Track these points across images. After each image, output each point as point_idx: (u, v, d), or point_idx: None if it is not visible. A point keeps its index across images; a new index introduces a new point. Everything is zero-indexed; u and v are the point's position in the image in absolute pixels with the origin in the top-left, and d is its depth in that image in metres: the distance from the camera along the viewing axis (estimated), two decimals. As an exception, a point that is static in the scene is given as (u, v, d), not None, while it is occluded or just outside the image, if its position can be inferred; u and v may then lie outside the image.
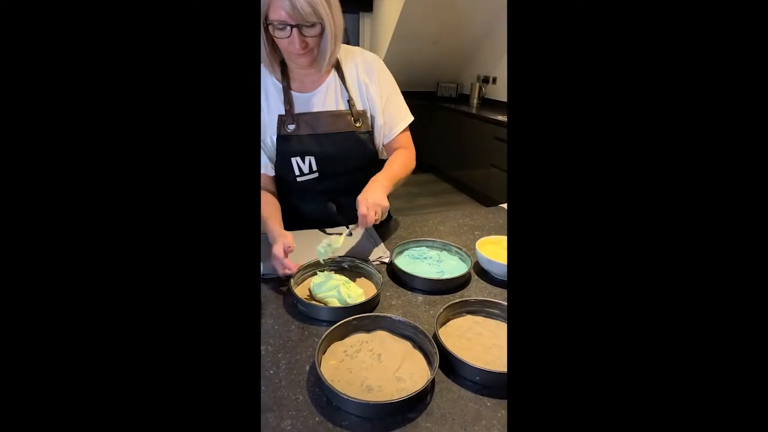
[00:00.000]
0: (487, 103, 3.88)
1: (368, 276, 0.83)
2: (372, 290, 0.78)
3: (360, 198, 0.81)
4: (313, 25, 0.77)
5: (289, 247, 0.76)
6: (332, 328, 0.62)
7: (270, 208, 0.90)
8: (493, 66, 3.83)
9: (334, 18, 0.79)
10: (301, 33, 0.78)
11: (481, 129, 3.33)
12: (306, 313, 0.71)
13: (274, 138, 0.92)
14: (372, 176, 1.00)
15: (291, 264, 0.76)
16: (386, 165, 0.95)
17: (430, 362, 0.59)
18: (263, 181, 0.96)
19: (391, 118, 0.99)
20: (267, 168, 0.95)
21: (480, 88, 3.90)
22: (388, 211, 0.92)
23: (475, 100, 3.91)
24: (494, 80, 3.83)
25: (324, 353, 0.60)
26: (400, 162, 0.96)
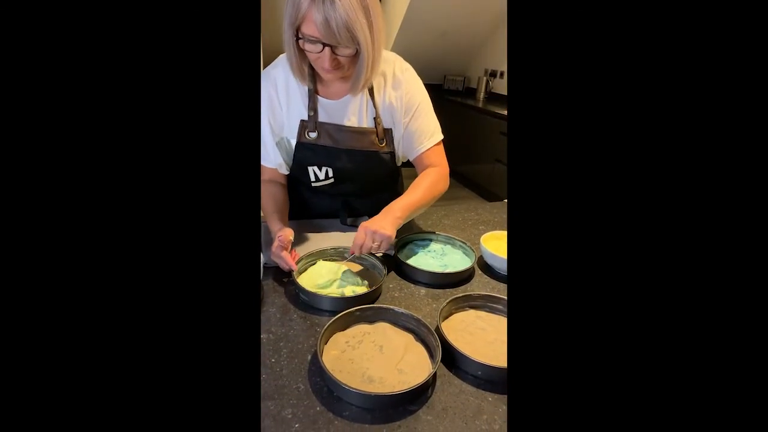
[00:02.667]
0: (494, 97, 3.84)
1: (371, 267, 0.82)
2: (374, 282, 0.78)
3: (363, 224, 0.76)
4: (347, 46, 0.69)
5: (286, 240, 0.75)
6: (334, 318, 0.62)
7: (277, 204, 0.87)
8: (500, 60, 3.79)
9: (374, 43, 0.70)
10: (333, 52, 0.70)
11: (487, 123, 3.30)
12: (308, 302, 0.71)
13: (293, 142, 0.87)
14: (390, 182, 0.97)
15: (291, 261, 0.75)
16: (410, 188, 0.86)
17: (431, 355, 0.59)
18: (274, 175, 0.92)
19: (416, 132, 0.90)
20: (282, 167, 0.91)
21: (487, 82, 3.87)
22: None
23: (482, 94, 3.87)
24: (501, 74, 3.79)
25: (326, 343, 0.60)
26: (425, 186, 0.86)
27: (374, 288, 0.73)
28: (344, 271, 0.77)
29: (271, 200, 0.88)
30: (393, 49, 0.93)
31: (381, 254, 0.85)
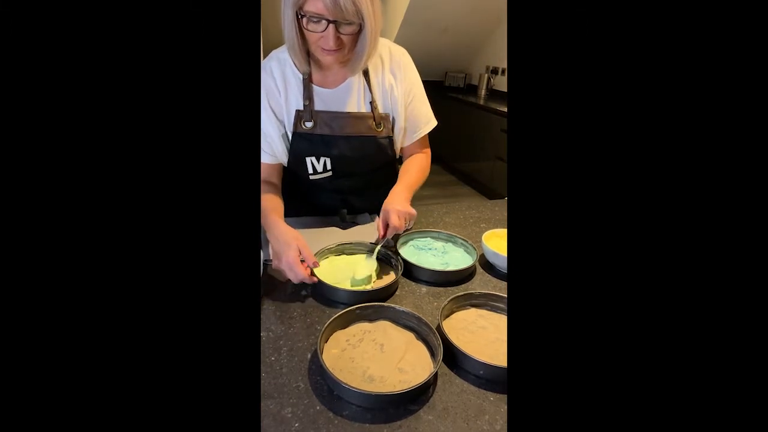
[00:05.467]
0: (495, 94, 3.83)
1: (387, 262, 0.83)
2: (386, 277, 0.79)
3: (388, 207, 0.77)
4: (351, 23, 0.70)
5: (311, 260, 0.70)
6: (335, 316, 0.61)
7: (275, 204, 0.85)
8: (502, 57, 3.77)
9: (375, 18, 0.72)
10: (337, 30, 0.70)
11: (488, 120, 3.28)
12: (325, 294, 0.71)
13: (290, 133, 0.87)
14: (388, 176, 0.96)
15: (306, 271, 0.69)
16: (402, 172, 0.89)
17: (433, 354, 0.58)
18: (268, 175, 0.90)
19: (413, 121, 0.92)
20: (282, 158, 0.90)
21: (488, 79, 3.85)
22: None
23: (483, 91, 3.85)
24: (503, 71, 3.77)
25: (326, 342, 0.59)
26: (417, 169, 0.91)
27: (390, 282, 0.74)
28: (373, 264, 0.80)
29: (268, 200, 0.85)
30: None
31: (384, 250, 0.84)
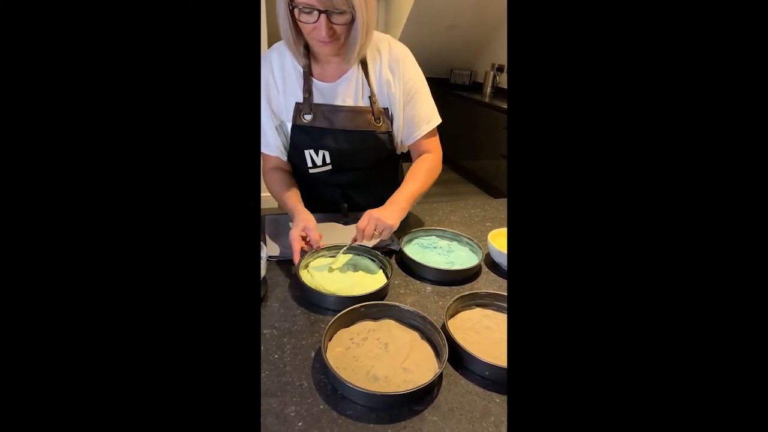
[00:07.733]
0: (501, 92, 3.80)
1: (378, 263, 0.81)
2: (377, 280, 0.77)
3: (368, 211, 0.77)
4: (342, 12, 0.70)
5: (316, 240, 0.76)
6: (339, 314, 0.60)
7: (291, 187, 0.88)
8: (508, 54, 3.75)
9: (367, 6, 0.72)
10: (329, 20, 0.71)
11: (492, 118, 3.26)
12: (311, 299, 0.70)
13: (289, 126, 0.87)
14: (388, 172, 0.96)
15: (297, 255, 0.74)
16: (408, 177, 0.88)
17: (437, 354, 0.58)
18: (279, 163, 0.92)
19: (413, 119, 0.90)
20: (282, 153, 0.91)
21: (494, 77, 3.82)
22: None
23: (489, 89, 3.82)
24: (509, 69, 3.75)
25: (330, 340, 0.59)
26: (423, 173, 0.88)
27: (379, 288, 0.71)
28: (343, 265, 0.77)
29: (282, 185, 0.88)
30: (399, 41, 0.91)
31: (388, 249, 0.84)
